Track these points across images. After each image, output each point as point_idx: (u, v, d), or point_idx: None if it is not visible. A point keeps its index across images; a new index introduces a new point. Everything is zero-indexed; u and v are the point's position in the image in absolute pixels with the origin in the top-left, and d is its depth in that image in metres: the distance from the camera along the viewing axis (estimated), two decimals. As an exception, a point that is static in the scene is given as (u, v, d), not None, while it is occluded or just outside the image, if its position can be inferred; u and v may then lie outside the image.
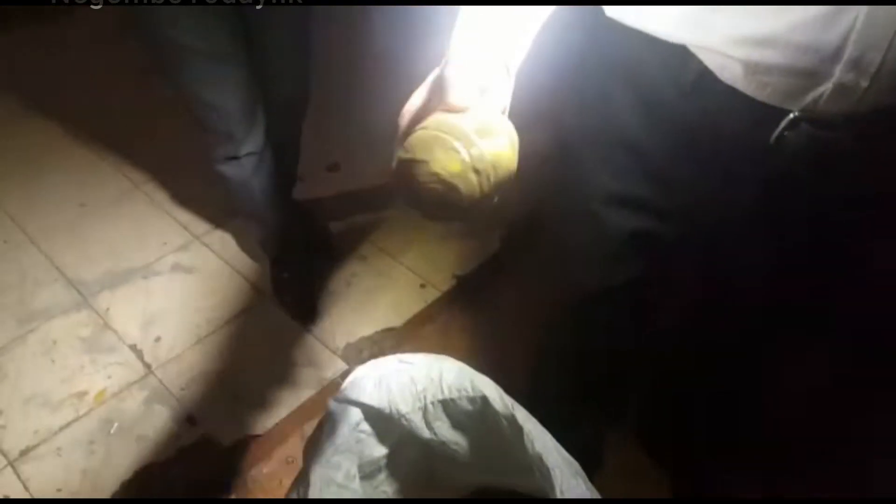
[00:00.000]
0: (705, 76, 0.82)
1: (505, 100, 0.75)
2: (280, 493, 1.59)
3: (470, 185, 0.62)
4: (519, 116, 0.75)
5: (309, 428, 1.68)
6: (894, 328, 1.41)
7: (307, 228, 2.15)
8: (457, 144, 0.61)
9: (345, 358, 1.87)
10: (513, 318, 1.95)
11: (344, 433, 1.01)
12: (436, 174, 0.61)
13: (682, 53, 0.82)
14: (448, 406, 1.01)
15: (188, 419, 1.72)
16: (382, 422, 1.04)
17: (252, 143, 1.73)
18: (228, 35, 1.55)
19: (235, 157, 1.73)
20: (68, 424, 1.71)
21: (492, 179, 0.62)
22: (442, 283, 2.05)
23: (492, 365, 1.83)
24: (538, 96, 0.83)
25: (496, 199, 0.67)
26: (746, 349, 1.29)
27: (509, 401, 0.97)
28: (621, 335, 1.39)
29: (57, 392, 1.77)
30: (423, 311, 1.98)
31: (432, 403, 1.01)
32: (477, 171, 0.61)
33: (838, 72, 0.72)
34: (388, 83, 2.71)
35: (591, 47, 0.97)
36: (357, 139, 2.51)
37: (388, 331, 1.93)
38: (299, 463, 1.62)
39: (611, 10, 0.86)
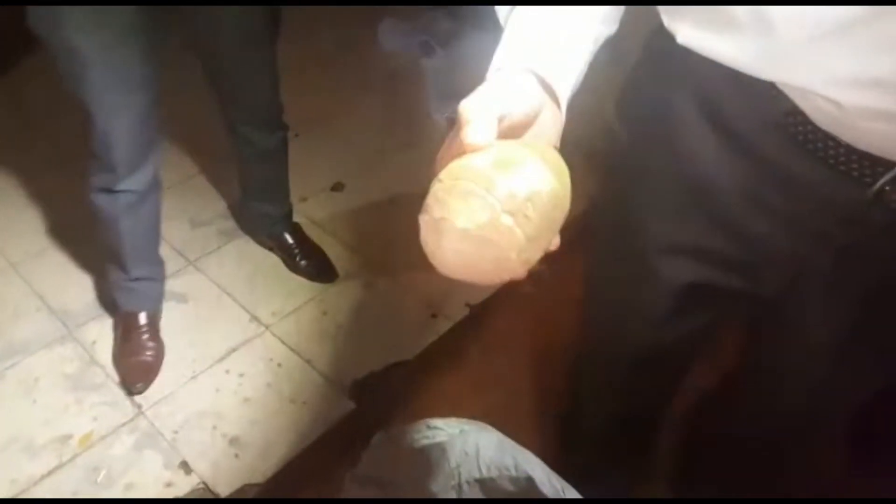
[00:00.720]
0: (795, 118, 0.69)
1: (554, 134, 0.63)
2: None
3: (506, 232, 0.50)
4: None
5: (313, 478, 1.54)
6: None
7: (307, 253, 2.02)
8: (475, 188, 0.50)
9: (352, 396, 1.72)
10: (530, 351, 1.82)
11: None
12: (462, 230, 0.50)
13: (768, 90, 0.69)
14: (486, 486, 0.87)
15: (182, 465, 1.58)
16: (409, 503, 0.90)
17: (134, 181, 1.55)
18: (137, 55, 1.39)
19: (110, 191, 1.56)
20: (50, 472, 1.56)
21: (533, 217, 0.51)
22: (454, 312, 1.91)
23: (508, 403, 1.73)
24: (579, 123, 0.70)
25: (553, 239, 0.55)
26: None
27: (559, 483, 0.83)
28: (664, 395, 1.27)
29: (38, 436, 1.62)
30: (436, 345, 1.84)
31: (468, 482, 0.87)
32: (510, 213, 0.50)
33: None
34: (397, 99, 2.59)
35: (656, 73, 0.83)
36: (363, 157, 2.38)
37: (399, 365, 1.79)
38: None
39: (683, 38, 0.73)
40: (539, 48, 0.62)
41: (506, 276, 0.53)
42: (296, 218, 2.13)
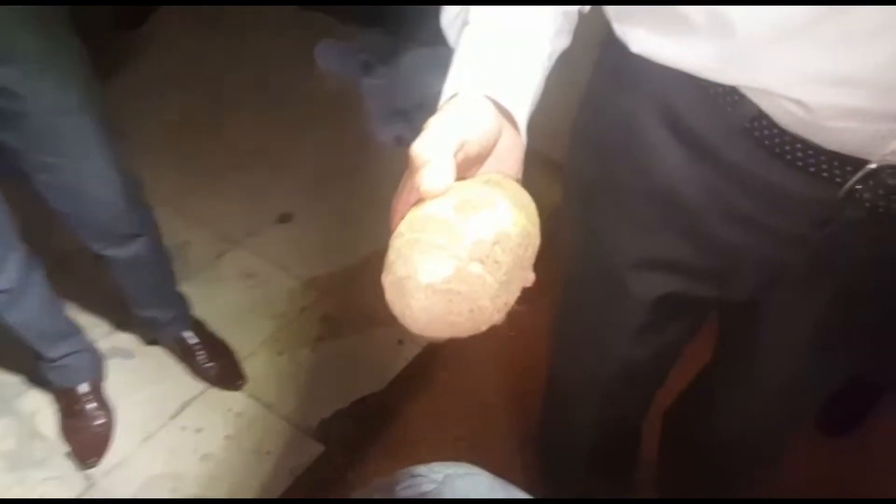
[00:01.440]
0: (761, 121, 0.66)
1: (514, 160, 0.57)
2: None
3: (475, 281, 0.46)
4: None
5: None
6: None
7: (210, 355, 1.75)
8: (437, 240, 0.46)
9: (320, 437, 1.61)
10: (504, 370, 1.74)
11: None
12: (427, 286, 0.46)
13: (731, 94, 0.66)
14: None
15: (142, 536, 1.46)
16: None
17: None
18: None
19: None
20: (-5, 563, 1.43)
21: (503, 261, 0.47)
22: (421, 337, 1.81)
23: (485, 426, 1.64)
24: (538, 132, 0.63)
25: (528, 276, 0.51)
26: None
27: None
28: (643, 406, 1.22)
29: (-21, 524, 1.49)
30: (405, 372, 1.74)
31: (455, 532, 0.77)
32: (479, 261, 0.46)
33: None
34: (340, 122, 2.50)
35: (612, 86, 0.79)
36: (309, 184, 2.28)
37: (367, 399, 1.69)
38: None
39: (637, 47, 0.70)
40: (493, 72, 0.56)
41: (483, 326, 0.48)
42: (243, 254, 2.03)
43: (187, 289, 1.90)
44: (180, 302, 1.74)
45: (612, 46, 0.74)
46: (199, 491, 1.52)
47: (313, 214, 2.19)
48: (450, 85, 0.56)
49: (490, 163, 0.55)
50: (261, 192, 2.24)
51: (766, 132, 0.67)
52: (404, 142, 2.52)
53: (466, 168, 0.51)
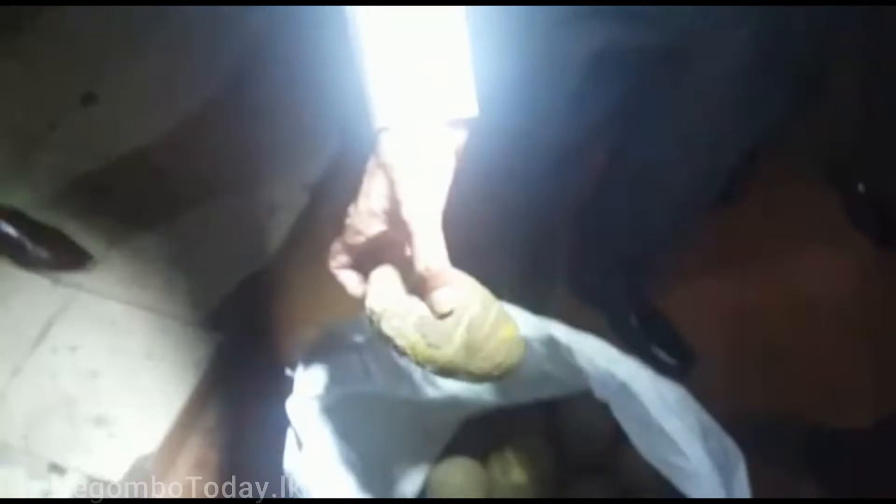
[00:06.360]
0: None
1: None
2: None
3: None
4: None
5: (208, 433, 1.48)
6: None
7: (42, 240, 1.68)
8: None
9: (215, 327, 1.65)
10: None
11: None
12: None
13: None
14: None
15: (53, 469, 1.44)
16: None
17: None
18: None
19: None
20: None
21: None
22: (293, 200, 1.86)
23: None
24: None
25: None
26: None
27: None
28: (570, 190, 1.32)
29: None
30: (288, 240, 1.79)
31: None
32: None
33: None
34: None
35: None
36: (103, 50, 2.13)
37: (256, 276, 1.73)
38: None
39: None
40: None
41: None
42: (49, 150, 1.91)
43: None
44: None
45: None
46: (99, 409, 1.51)
47: (122, 88, 2.06)
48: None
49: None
50: (47, 71, 2.07)
51: None
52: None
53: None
